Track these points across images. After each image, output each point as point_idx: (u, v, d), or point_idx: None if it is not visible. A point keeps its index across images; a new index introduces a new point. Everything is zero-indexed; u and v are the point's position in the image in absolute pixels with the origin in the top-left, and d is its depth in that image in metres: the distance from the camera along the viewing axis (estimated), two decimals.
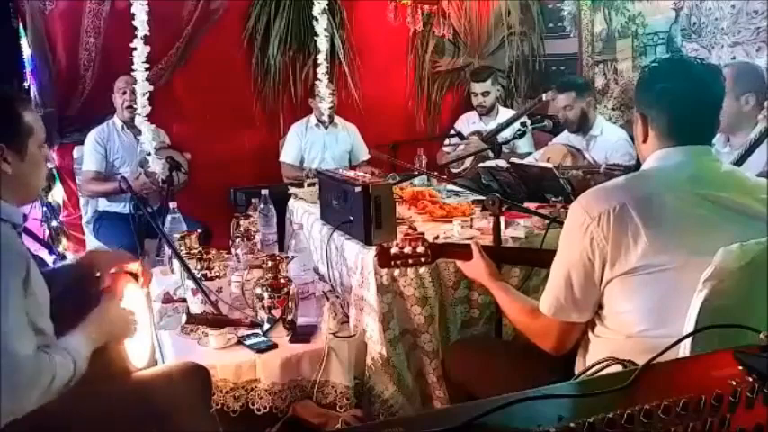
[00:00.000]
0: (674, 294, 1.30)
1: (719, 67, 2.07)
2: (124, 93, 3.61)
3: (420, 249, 1.78)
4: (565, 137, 3.53)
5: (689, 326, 1.24)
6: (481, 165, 3.39)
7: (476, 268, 1.79)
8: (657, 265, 1.33)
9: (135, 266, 1.85)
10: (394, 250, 1.79)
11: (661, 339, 1.19)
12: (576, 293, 1.42)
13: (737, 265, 1.24)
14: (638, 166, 1.56)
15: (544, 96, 3.74)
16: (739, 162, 2.29)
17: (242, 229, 2.82)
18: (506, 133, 3.77)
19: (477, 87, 4.15)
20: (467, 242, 1.88)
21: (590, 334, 1.48)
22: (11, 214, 1.51)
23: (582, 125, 3.40)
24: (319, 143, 4.15)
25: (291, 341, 2.20)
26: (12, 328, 1.33)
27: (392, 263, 1.80)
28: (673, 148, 1.43)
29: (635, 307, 1.37)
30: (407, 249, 1.78)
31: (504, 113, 4.14)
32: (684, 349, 1.18)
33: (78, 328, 1.54)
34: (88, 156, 3.63)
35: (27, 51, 3.69)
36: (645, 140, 1.49)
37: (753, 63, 3.01)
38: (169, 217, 2.75)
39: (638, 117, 1.50)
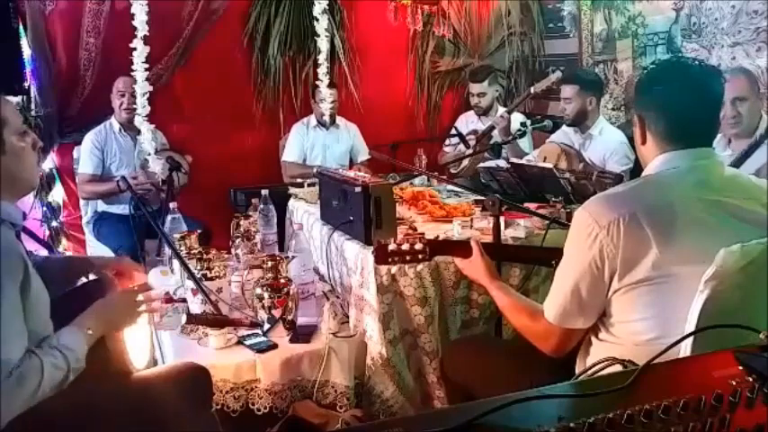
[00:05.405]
0: (686, 302, 1.27)
1: (718, 68, 2.06)
2: (123, 95, 3.60)
3: (418, 246, 1.77)
4: (562, 134, 3.53)
5: (690, 327, 1.23)
6: (481, 165, 3.39)
7: (475, 267, 1.77)
8: (667, 275, 1.31)
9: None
10: (392, 247, 1.77)
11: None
12: (583, 302, 1.40)
13: (739, 265, 1.24)
14: (636, 167, 1.55)
15: (532, 90, 3.73)
16: (738, 163, 2.29)
17: (242, 229, 2.82)
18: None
19: (474, 88, 4.14)
20: (466, 239, 1.87)
21: (593, 338, 1.46)
22: (9, 213, 1.46)
23: (578, 121, 3.39)
24: (320, 143, 4.16)
25: (291, 341, 2.20)
26: (4, 333, 1.30)
27: (390, 260, 1.78)
28: (675, 152, 1.41)
29: (645, 316, 1.35)
30: (405, 246, 1.77)
31: None
32: (685, 350, 1.18)
33: (74, 323, 1.50)
34: (85, 158, 3.63)
35: (27, 51, 3.68)
36: (644, 142, 1.47)
37: (733, 68, 2.98)
38: (169, 217, 2.75)
39: (636, 119, 1.48)
